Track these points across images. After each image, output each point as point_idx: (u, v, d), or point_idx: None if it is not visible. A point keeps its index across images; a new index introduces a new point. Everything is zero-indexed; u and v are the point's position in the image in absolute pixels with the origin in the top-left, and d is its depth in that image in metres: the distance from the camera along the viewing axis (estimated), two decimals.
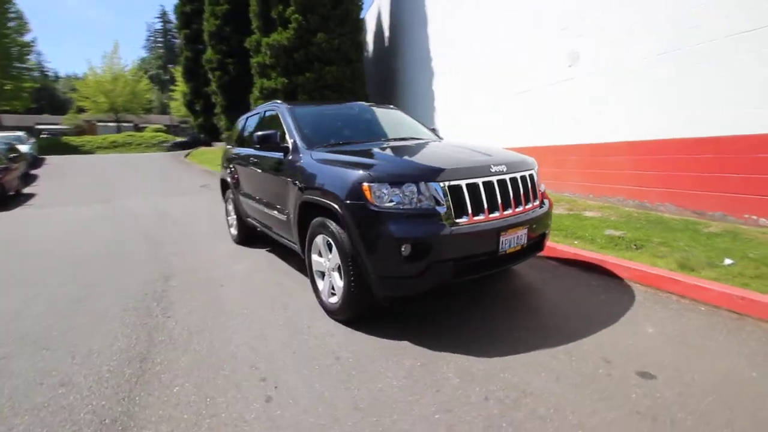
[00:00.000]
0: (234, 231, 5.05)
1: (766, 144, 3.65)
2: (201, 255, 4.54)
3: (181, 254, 4.59)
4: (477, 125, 8.01)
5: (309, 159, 2.90)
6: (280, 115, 3.57)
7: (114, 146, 28.91)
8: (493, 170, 2.46)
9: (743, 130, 3.82)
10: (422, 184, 2.27)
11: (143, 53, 68.45)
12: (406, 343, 2.34)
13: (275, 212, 3.42)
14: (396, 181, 2.27)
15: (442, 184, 2.29)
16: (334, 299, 2.66)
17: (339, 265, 2.53)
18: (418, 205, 2.25)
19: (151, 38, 68.42)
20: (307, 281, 3.44)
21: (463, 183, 2.34)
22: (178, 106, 34.37)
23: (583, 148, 5.57)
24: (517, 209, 2.54)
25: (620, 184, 5.10)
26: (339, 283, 2.56)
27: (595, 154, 5.34)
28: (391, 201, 2.25)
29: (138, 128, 39.22)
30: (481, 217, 2.36)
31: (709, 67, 4.04)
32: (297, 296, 3.15)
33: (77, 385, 2.09)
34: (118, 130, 36.83)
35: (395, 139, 3.45)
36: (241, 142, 4.68)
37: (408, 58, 11.51)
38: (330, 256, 2.64)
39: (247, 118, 4.67)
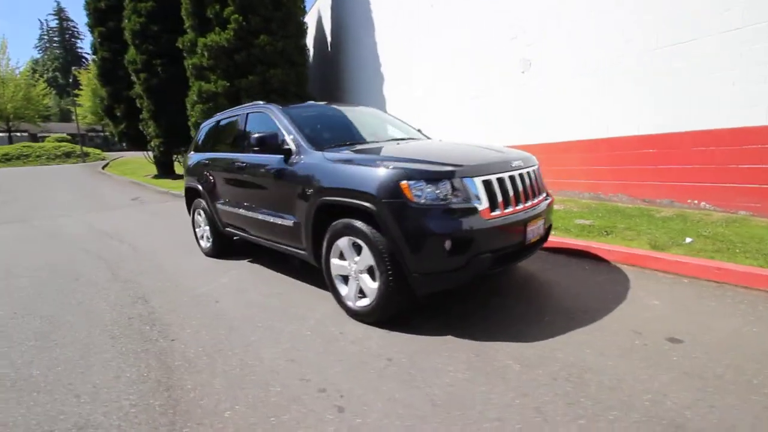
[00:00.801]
0: (205, 243, 4.67)
1: (698, 139, 4.29)
2: (172, 272, 4.13)
3: (147, 273, 4.13)
4: (434, 128, 8.29)
5: (322, 160, 2.80)
6: (272, 117, 3.40)
7: (6, 159, 24.93)
8: (513, 165, 2.60)
9: (678, 128, 4.44)
10: (457, 180, 2.32)
11: (36, 54, 60.16)
12: (449, 338, 2.36)
13: (275, 218, 3.24)
14: (433, 178, 2.29)
15: (476, 180, 2.36)
16: (363, 302, 2.59)
17: (371, 266, 2.48)
18: (456, 200, 2.30)
19: (45, 37, 60.40)
20: (313, 288, 3.33)
21: (493, 178, 2.43)
22: (84, 113, 30.66)
23: (540, 148, 6.04)
24: (534, 201, 2.70)
25: (576, 179, 5.63)
26: (371, 284, 2.50)
27: (551, 152, 5.83)
28: (430, 198, 2.27)
29: (35, 138, 34.32)
30: (509, 210, 2.48)
31: (644, 77, 4.65)
32: (309, 305, 3.01)
33: (101, 425, 1.80)
34: (10, 140, 31.89)
35: (398, 140, 3.46)
36: (213, 146, 4.36)
37: (355, 63, 11.55)
38: (357, 258, 2.57)
39: (219, 121, 4.36)
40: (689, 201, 4.45)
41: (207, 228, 4.57)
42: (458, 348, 2.23)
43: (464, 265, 2.28)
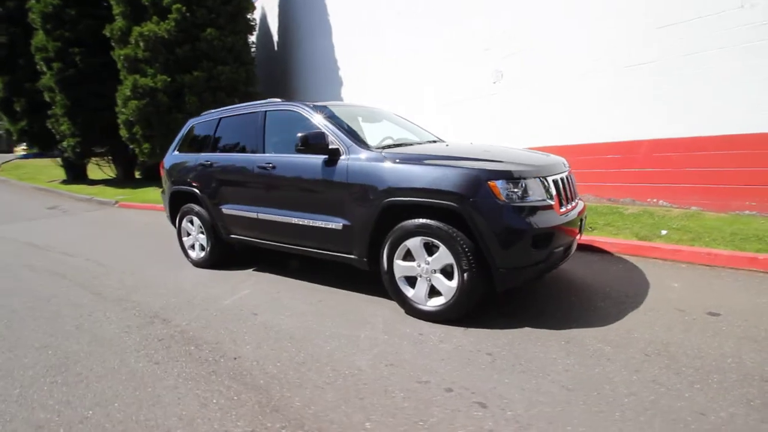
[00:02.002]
0: (197, 253, 4.26)
1: (656, 146, 5.04)
2: (172, 286, 3.72)
3: (140, 290, 3.68)
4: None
5: (382, 160, 2.76)
6: (306, 115, 3.25)
7: None
8: (564, 167, 2.84)
9: (638, 137, 5.17)
10: (536, 180, 2.48)
11: None
12: (527, 329, 2.48)
13: (316, 222, 3.09)
14: (517, 177, 2.41)
15: (549, 179, 2.54)
16: (436, 301, 2.61)
17: (448, 265, 2.52)
18: (537, 198, 2.45)
19: None
20: (350, 293, 3.29)
21: (558, 178, 2.64)
22: None
23: None
24: (576, 200, 2.97)
25: None
26: (448, 283, 2.53)
27: None
28: (516, 196, 2.39)
29: None
30: (570, 207, 2.70)
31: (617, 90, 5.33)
32: (360, 310, 2.93)
33: None
34: None
35: (432, 141, 3.53)
36: (214, 146, 3.99)
37: (309, 65, 11.29)
38: (430, 258, 2.58)
39: (220, 119, 4.01)
40: (649, 199, 5.19)
41: (202, 236, 4.16)
42: (543, 337, 2.38)
43: (545, 259, 2.44)
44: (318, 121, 3.17)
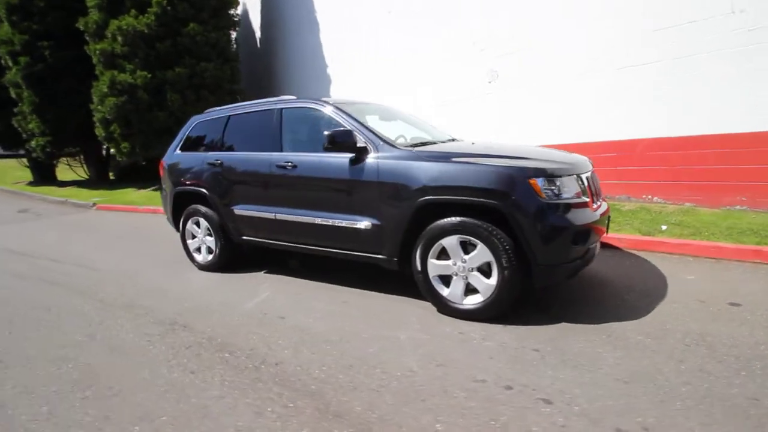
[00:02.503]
0: (204, 256, 4.10)
1: (651, 145, 5.24)
2: (180, 291, 3.60)
3: (146, 295, 3.55)
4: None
5: (415, 158, 2.73)
6: (329, 113, 3.18)
7: None
8: (589, 166, 2.90)
9: (635, 136, 5.37)
10: (567, 178, 2.52)
11: None
12: (563, 324, 2.51)
13: (342, 222, 3.02)
14: (556, 175, 2.45)
15: (582, 176, 2.59)
16: (473, 299, 2.61)
17: (486, 263, 2.52)
18: (573, 195, 2.49)
19: None
20: (375, 293, 3.23)
21: (586, 176, 2.69)
22: None
23: None
24: (602, 198, 3.04)
25: None
26: (486, 281, 2.54)
27: None
28: (555, 193, 2.42)
29: None
30: (598, 205, 2.77)
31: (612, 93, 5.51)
32: (392, 310, 2.90)
33: None
34: None
35: (450, 140, 3.53)
36: (222, 144, 3.85)
37: (295, 62, 11.07)
38: (466, 256, 2.58)
39: (229, 117, 3.86)
40: (644, 196, 5.40)
41: (209, 238, 4.00)
42: (584, 332, 2.42)
43: (582, 255, 2.49)
44: (342, 119, 3.11)
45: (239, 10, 12.56)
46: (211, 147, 3.94)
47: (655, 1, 4.95)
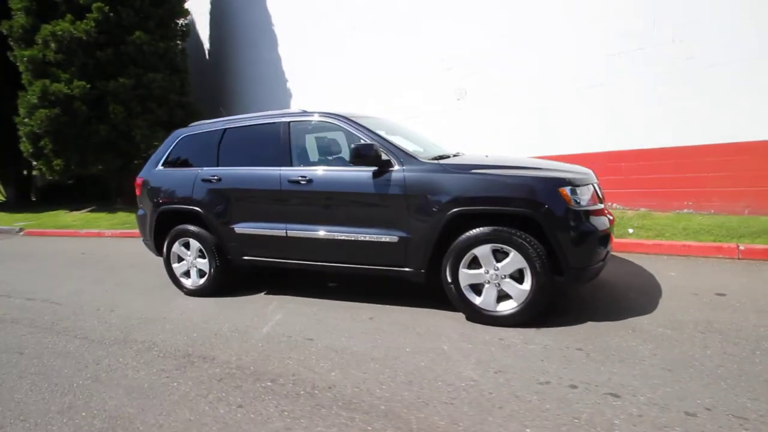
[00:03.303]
0: (193, 281, 3.81)
1: (609, 158, 5.84)
2: (180, 320, 3.30)
3: (138, 328, 3.24)
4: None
5: (445, 171, 2.80)
6: (345, 126, 3.16)
7: None
8: (594, 177, 3.17)
9: (595, 149, 5.94)
10: (585, 187, 2.73)
11: None
12: (589, 324, 2.67)
13: (366, 236, 2.97)
14: (580, 184, 2.65)
15: (596, 186, 2.83)
16: (507, 306, 2.69)
17: (519, 270, 2.63)
18: (593, 203, 2.70)
19: None
20: (396, 307, 3.18)
21: (596, 185, 2.94)
22: None
23: None
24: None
25: None
26: (520, 287, 2.64)
27: None
28: (581, 201, 2.61)
29: None
30: (608, 212, 3.02)
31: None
32: (422, 322, 2.90)
33: None
34: None
35: (454, 155, 3.65)
36: (218, 160, 3.62)
37: (252, 76, 10.70)
38: (500, 264, 2.67)
39: (225, 130, 3.65)
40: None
41: (201, 260, 3.70)
42: (611, 329, 2.59)
43: (604, 257, 2.70)
44: (361, 133, 3.09)
45: (188, 19, 11.99)
46: (204, 162, 3.68)
47: (610, 31, 5.59)
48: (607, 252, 2.74)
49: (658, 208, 5.53)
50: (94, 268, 5.32)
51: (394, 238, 2.91)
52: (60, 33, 8.14)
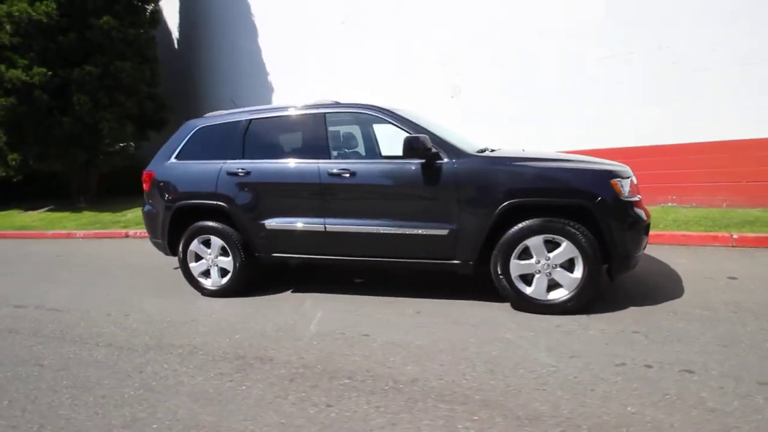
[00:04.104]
0: (214, 280, 3.62)
1: (598, 155, 6.17)
2: (213, 323, 3.12)
3: (162, 333, 3.04)
4: None
5: (498, 164, 2.86)
6: (389, 119, 3.12)
7: None
8: None
9: (579, 147, 6.26)
10: (626, 180, 2.88)
11: None
12: (635, 308, 2.80)
13: (416, 230, 2.95)
14: (626, 176, 2.79)
15: (632, 179, 2.99)
16: (558, 294, 2.78)
17: (570, 259, 2.73)
18: (635, 194, 2.86)
19: None
20: (439, 300, 3.19)
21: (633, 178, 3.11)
22: None
23: None
24: None
25: None
26: (572, 275, 2.73)
27: None
28: (628, 193, 2.76)
29: None
30: None
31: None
32: (472, 313, 2.93)
33: None
34: None
35: (491, 149, 3.71)
36: (243, 153, 3.44)
37: (229, 67, 10.23)
38: (551, 254, 2.75)
39: (250, 121, 3.46)
40: None
41: (223, 259, 3.50)
42: (654, 312, 2.75)
43: (645, 246, 2.87)
44: (406, 125, 3.06)
45: (158, 5, 11.24)
46: (227, 155, 3.47)
47: (602, 35, 5.91)
48: (647, 241, 2.92)
49: (644, 202, 5.93)
50: (80, 271, 4.87)
51: (444, 231, 2.92)
52: (17, 14, 7.32)
